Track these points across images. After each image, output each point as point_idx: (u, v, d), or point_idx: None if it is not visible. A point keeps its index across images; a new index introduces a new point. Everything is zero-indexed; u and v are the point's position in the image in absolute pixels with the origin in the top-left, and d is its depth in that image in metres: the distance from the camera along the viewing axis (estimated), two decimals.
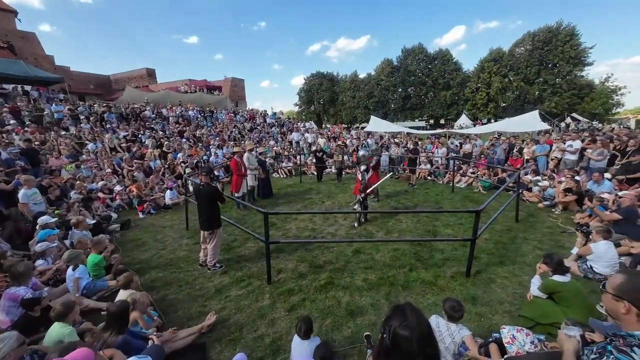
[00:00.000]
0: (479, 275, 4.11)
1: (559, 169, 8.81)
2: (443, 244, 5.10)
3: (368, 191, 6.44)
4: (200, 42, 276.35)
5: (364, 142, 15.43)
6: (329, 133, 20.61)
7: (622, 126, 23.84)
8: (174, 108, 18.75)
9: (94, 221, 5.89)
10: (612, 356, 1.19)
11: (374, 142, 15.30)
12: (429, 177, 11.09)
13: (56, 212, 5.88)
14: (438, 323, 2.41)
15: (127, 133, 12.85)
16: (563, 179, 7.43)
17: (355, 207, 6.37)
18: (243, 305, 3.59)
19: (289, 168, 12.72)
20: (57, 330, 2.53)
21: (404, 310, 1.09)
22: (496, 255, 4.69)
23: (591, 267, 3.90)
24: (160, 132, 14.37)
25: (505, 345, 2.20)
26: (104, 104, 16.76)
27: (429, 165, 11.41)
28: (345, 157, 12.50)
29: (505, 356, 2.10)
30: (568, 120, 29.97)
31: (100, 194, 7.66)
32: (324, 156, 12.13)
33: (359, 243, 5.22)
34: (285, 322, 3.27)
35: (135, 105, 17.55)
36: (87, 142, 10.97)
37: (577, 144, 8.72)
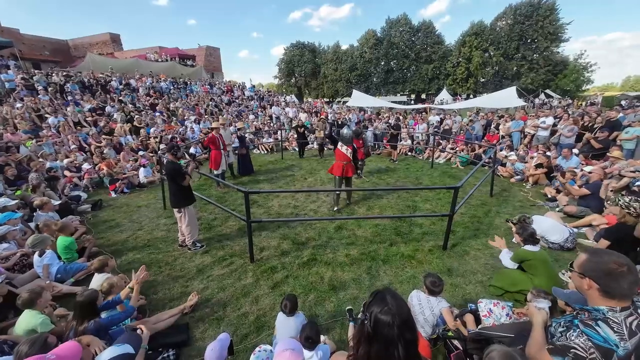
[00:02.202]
0: (455, 248, 4.31)
1: (532, 145, 9.17)
2: (422, 219, 5.26)
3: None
4: (170, 5, 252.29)
5: (345, 117, 15.22)
6: (311, 108, 20.13)
7: (588, 103, 24.96)
8: (143, 79, 17.43)
9: (59, 201, 5.53)
10: (579, 330, 1.27)
11: (356, 118, 15.16)
12: (409, 153, 11.24)
13: (17, 192, 5.46)
14: (419, 297, 2.51)
15: (92, 106, 11.89)
16: (535, 154, 7.76)
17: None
18: (226, 284, 3.58)
19: (269, 144, 12.41)
20: (27, 320, 2.41)
21: (385, 296, 1.10)
22: (471, 229, 4.92)
23: (546, 239, 4.20)
24: (130, 105, 13.40)
25: (482, 318, 2.34)
26: (64, 73, 15.27)
27: (409, 141, 11.52)
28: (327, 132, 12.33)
29: (480, 326, 2.23)
30: (542, 96, 30.94)
31: (67, 172, 7.16)
32: (306, 131, 11.90)
33: (341, 220, 5.28)
34: (269, 299, 3.31)
35: (100, 75, 16.13)
36: (46, 115, 10.05)
37: (550, 121, 9.05)
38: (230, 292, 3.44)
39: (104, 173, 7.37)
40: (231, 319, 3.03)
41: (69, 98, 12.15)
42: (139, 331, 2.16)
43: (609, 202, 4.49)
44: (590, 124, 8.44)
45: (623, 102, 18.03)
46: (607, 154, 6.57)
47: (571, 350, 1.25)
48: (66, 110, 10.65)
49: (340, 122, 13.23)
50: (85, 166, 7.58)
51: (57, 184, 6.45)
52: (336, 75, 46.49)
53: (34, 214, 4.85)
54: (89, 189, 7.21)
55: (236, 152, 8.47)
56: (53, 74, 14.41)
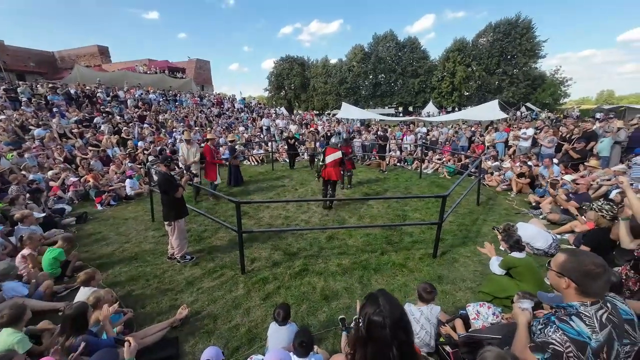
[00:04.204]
0: (444, 255, 4.39)
1: (515, 155, 9.52)
2: (412, 227, 5.35)
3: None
4: (161, 19, 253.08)
5: (335, 129, 15.45)
6: (301, 119, 20.36)
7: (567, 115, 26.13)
8: (132, 90, 17.31)
9: (43, 214, 5.36)
10: (555, 325, 1.34)
11: (345, 130, 15.40)
12: (398, 164, 11.46)
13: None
14: (411, 311, 2.52)
15: (79, 117, 11.69)
16: (518, 164, 8.07)
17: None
18: (216, 297, 3.53)
19: (260, 155, 12.43)
20: (4, 339, 2.30)
21: (377, 298, 1.11)
22: (459, 237, 5.02)
23: (531, 246, 4.34)
24: (118, 117, 13.25)
25: (472, 321, 2.39)
26: (49, 85, 15.02)
27: (398, 152, 11.76)
28: (317, 144, 12.47)
29: (470, 329, 2.28)
30: (523, 109, 32.24)
31: (52, 184, 6.96)
32: (296, 143, 12.00)
33: (333, 230, 5.30)
34: (260, 311, 3.27)
35: (87, 87, 15.93)
36: (31, 127, 9.82)
37: (530, 132, 9.45)
38: (221, 304, 3.39)
39: (90, 185, 7.21)
40: (222, 331, 2.98)
41: (55, 110, 11.92)
42: (126, 344, 2.10)
43: (584, 207, 4.69)
44: (569, 135, 8.85)
45: (598, 115, 18.98)
46: (585, 163, 6.89)
47: (550, 346, 1.30)
48: (51, 122, 10.44)
49: (330, 134, 13.43)
50: (72, 179, 7.39)
51: (41, 196, 6.26)
52: (326, 89, 47.35)
53: (15, 227, 4.68)
54: (74, 202, 7.02)
55: (228, 162, 8.51)
56: (38, 85, 14.17)
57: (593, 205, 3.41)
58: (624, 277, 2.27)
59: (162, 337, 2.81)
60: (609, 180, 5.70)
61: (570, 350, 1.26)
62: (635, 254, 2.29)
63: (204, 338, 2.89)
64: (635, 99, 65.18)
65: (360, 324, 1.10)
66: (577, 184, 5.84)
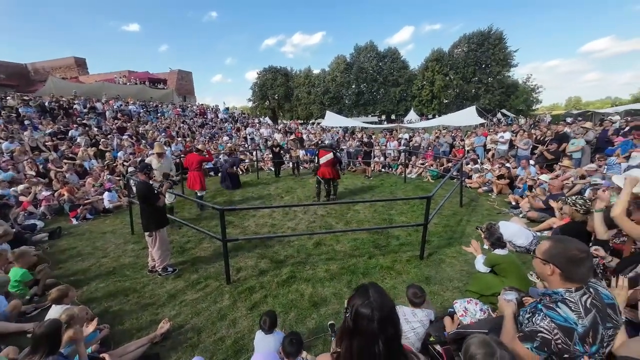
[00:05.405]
0: (431, 257, 4.42)
1: (494, 158, 9.87)
2: (398, 230, 5.38)
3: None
4: (142, 31, 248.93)
5: (323, 136, 15.58)
6: (285, 128, 20.39)
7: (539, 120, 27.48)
8: (111, 102, 16.84)
9: (12, 231, 5.03)
10: (542, 313, 1.35)
11: (331, 137, 15.55)
12: (383, 170, 11.61)
13: None
14: (404, 312, 2.50)
15: (53, 130, 11.22)
16: (497, 167, 8.35)
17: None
18: (200, 309, 3.38)
19: (245, 165, 12.29)
20: None
21: (367, 290, 1.07)
22: (445, 238, 5.09)
23: (513, 243, 4.44)
24: (95, 129, 12.81)
25: (460, 317, 2.39)
26: (22, 97, 14.39)
27: (382, 158, 11.93)
28: (302, 152, 12.49)
29: (459, 326, 2.28)
30: (499, 115, 33.70)
31: (22, 198, 6.58)
32: (281, 151, 11.97)
33: (320, 236, 5.25)
34: (247, 321, 3.16)
35: (63, 98, 15.37)
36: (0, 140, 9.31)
37: (507, 135, 9.84)
38: (205, 317, 3.25)
39: (65, 199, 6.86)
40: (207, 344, 2.85)
41: (26, 122, 11.39)
42: None
43: (559, 201, 4.87)
44: (542, 138, 9.28)
45: (568, 119, 20.09)
46: (559, 163, 7.21)
47: (538, 335, 1.31)
48: (23, 135, 9.95)
49: (320, 142, 13.55)
50: (44, 193, 7.01)
51: (9, 212, 5.88)
52: (309, 98, 47.83)
53: None
54: (46, 217, 6.65)
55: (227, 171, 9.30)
56: (8, 98, 13.54)
57: (568, 199, 3.55)
58: (602, 267, 2.35)
59: (142, 353, 2.65)
60: (584, 179, 5.99)
61: (559, 337, 1.26)
62: (611, 244, 2.38)
63: (188, 352, 2.75)
64: (600, 105, 69.92)
65: (348, 315, 1.06)
66: (551, 185, 6.09)
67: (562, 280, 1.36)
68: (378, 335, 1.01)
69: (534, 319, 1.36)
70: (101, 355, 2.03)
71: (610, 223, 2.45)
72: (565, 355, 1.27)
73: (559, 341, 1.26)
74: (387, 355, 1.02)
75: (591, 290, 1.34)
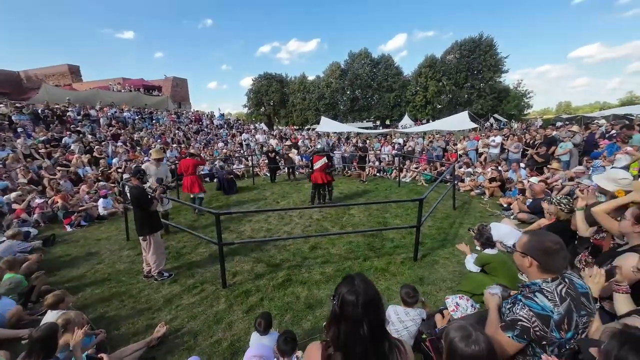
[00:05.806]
0: (425, 258, 4.50)
1: (486, 162, 10.05)
2: (393, 233, 5.46)
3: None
4: (137, 38, 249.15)
5: (318, 141, 15.71)
6: (281, 133, 20.51)
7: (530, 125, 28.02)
8: (105, 109, 16.80)
9: (3, 239, 5.01)
10: (521, 303, 1.44)
11: (325, 143, 15.67)
12: (377, 174, 11.73)
13: None
14: (397, 311, 2.56)
15: (46, 137, 11.16)
16: (489, 170, 8.51)
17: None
18: (197, 312, 3.41)
19: (240, 170, 12.33)
20: None
21: (353, 279, 1.15)
22: (438, 240, 5.18)
23: (504, 244, 4.55)
24: (90, 136, 12.77)
25: (451, 312, 2.46)
26: (14, 104, 14.30)
27: (377, 162, 12.07)
28: (298, 157, 12.58)
29: (450, 321, 2.35)
30: (492, 120, 34.27)
31: (15, 206, 6.54)
32: (277, 156, 12.05)
33: (315, 239, 5.31)
34: (243, 324, 3.19)
35: (56, 105, 15.30)
36: None
37: (499, 139, 10.05)
38: (202, 320, 3.27)
39: (59, 206, 6.83)
40: (203, 347, 2.87)
41: (19, 130, 11.33)
42: None
43: (545, 201, 4.99)
44: (532, 141, 9.50)
45: (558, 123, 20.55)
46: (548, 166, 7.39)
47: (518, 323, 1.39)
48: (16, 142, 9.89)
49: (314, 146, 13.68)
50: (37, 200, 6.98)
51: (3, 220, 5.85)
52: (305, 105, 48.17)
53: None
54: (40, 225, 6.61)
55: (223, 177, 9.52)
56: (1, 105, 13.45)
57: (553, 199, 3.67)
58: (584, 262, 2.45)
59: (139, 357, 2.67)
60: (572, 181, 6.14)
61: (537, 325, 1.35)
62: (592, 241, 2.48)
63: (184, 355, 2.77)
64: (589, 109, 71.70)
65: (335, 302, 1.14)
66: (533, 190, 6.21)
67: (539, 272, 1.45)
68: (362, 319, 1.09)
69: (514, 309, 1.45)
70: (99, 355, 2.05)
71: (591, 221, 2.56)
72: (544, 342, 1.36)
73: (537, 328, 1.34)
74: (372, 338, 1.10)
75: (566, 280, 1.44)
